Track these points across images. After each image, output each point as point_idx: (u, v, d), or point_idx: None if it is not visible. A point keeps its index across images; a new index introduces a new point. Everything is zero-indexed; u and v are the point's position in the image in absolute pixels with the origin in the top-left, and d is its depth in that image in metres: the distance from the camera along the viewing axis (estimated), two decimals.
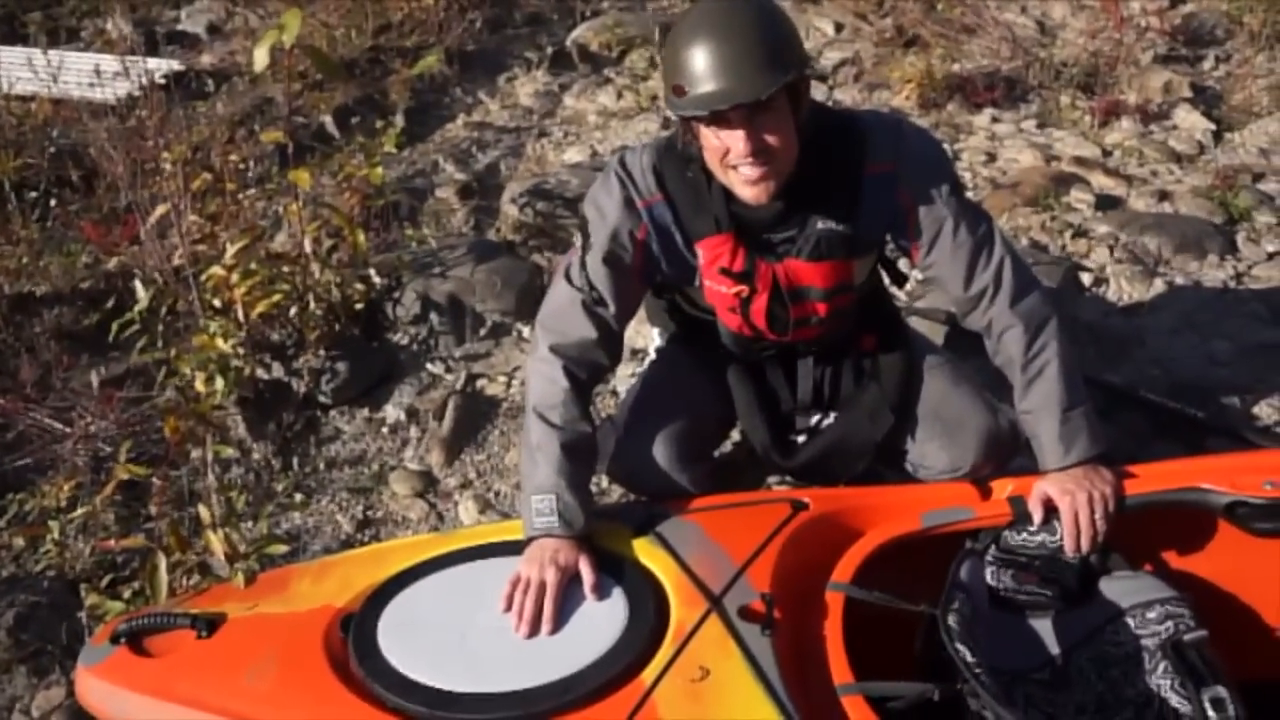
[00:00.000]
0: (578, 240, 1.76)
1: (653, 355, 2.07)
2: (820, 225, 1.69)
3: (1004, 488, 1.68)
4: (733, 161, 1.57)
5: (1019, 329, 1.72)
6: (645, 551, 1.60)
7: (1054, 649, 1.61)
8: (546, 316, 1.77)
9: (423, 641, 1.50)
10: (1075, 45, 4.33)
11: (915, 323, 2.71)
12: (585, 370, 1.74)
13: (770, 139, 1.55)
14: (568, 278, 1.75)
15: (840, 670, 1.37)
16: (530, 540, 1.60)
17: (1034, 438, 1.71)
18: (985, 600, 1.62)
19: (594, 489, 2.24)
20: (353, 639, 1.52)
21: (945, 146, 1.82)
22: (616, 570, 1.57)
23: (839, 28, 4.77)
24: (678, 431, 1.84)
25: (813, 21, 4.79)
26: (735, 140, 1.55)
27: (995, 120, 3.95)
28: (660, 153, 1.72)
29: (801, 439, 1.95)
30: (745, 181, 1.60)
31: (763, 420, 1.92)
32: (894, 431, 1.87)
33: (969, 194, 1.83)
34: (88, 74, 4.55)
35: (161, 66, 4.56)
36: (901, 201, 1.71)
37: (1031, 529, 1.62)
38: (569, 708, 1.37)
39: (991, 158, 3.70)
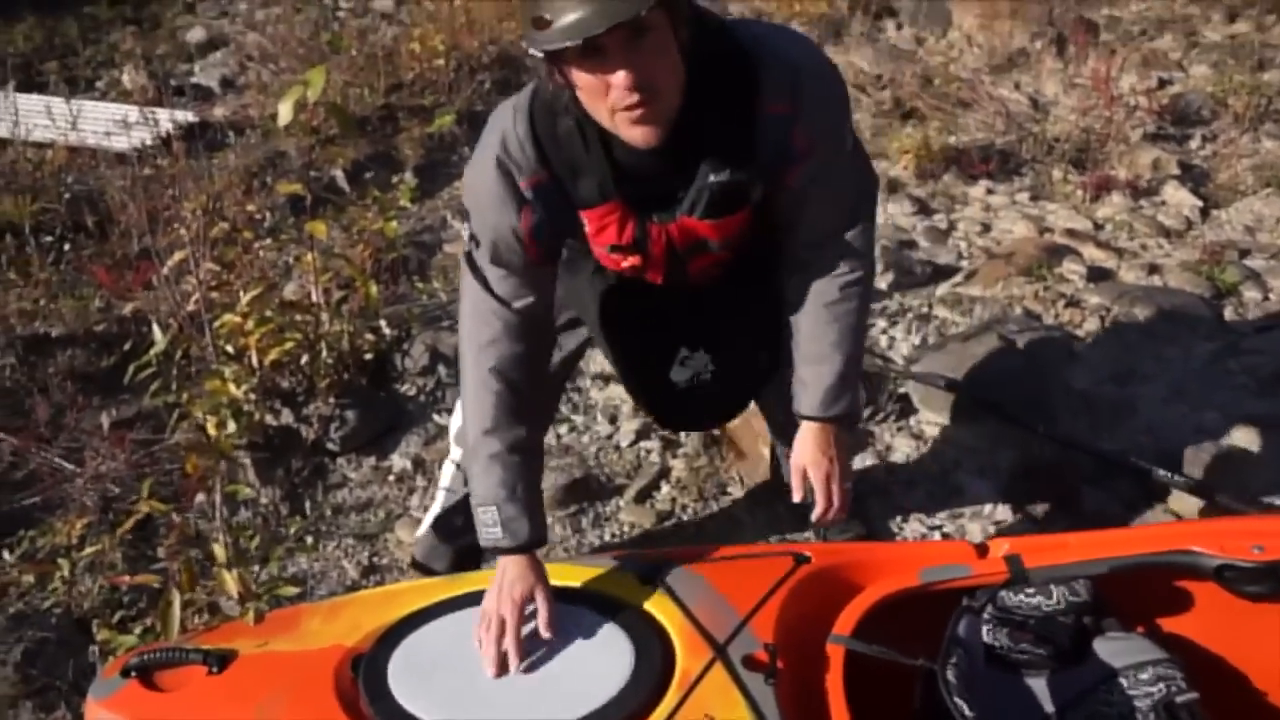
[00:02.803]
0: (466, 229, 1.64)
1: None
2: (713, 178, 1.51)
3: (1000, 547, 1.72)
4: (614, 101, 1.37)
5: (839, 273, 1.66)
6: (651, 600, 1.63)
7: (1048, 707, 1.64)
8: (464, 318, 1.67)
9: (432, 683, 1.53)
10: (1067, 122, 4.46)
11: (912, 388, 2.79)
12: (513, 368, 1.64)
13: (653, 67, 1.36)
14: (472, 268, 1.64)
15: None
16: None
17: (801, 381, 1.70)
18: (981, 658, 1.66)
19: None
20: (363, 679, 1.54)
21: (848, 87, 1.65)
22: (623, 618, 1.60)
23: None
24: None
25: None
26: (614, 74, 1.34)
27: (990, 192, 4.05)
28: (532, 114, 1.51)
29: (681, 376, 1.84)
30: (630, 122, 1.39)
31: (641, 387, 1.87)
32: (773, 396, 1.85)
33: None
34: (104, 122, 4.66)
35: (178, 117, 4.67)
36: (797, 145, 1.54)
37: (1029, 590, 1.66)
38: None
39: (986, 228, 3.80)
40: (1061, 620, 1.66)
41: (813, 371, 1.69)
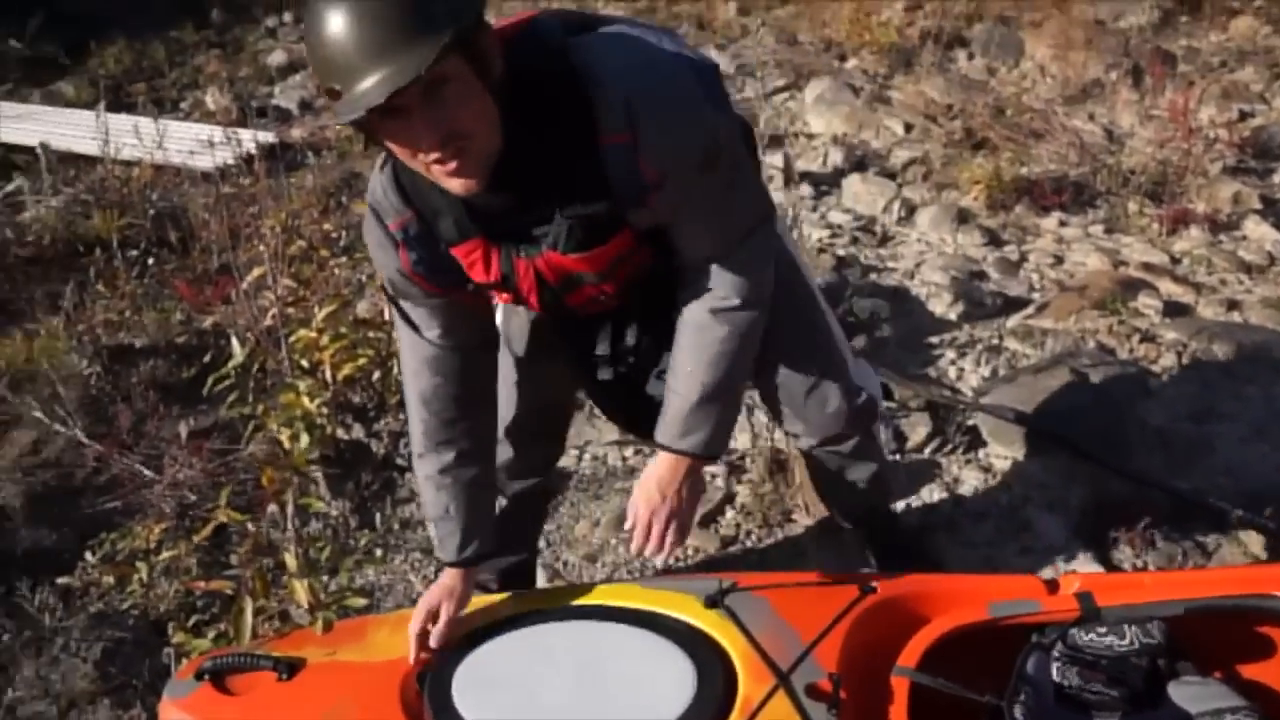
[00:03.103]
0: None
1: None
2: (569, 211, 1.44)
3: (1072, 584, 1.69)
4: (423, 158, 1.32)
5: (712, 300, 1.56)
6: (714, 624, 1.63)
7: None
8: (400, 349, 1.70)
9: (496, 699, 1.55)
10: (1143, 154, 4.38)
11: (981, 420, 2.75)
12: (435, 398, 1.67)
13: (457, 118, 1.28)
14: (391, 302, 1.65)
15: None
16: None
17: (664, 407, 1.65)
18: (1050, 696, 1.62)
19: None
20: (428, 692, 1.57)
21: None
22: (686, 641, 1.60)
23: (909, 128, 4.88)
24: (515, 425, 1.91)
25: (883, 121, 4.90)
26: (416, 135, 1.29)
27: (1063, 224, 3.99)
28: (396, 159, 1.45)
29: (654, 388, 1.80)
30: (446, 174, 1.34)
31: (613, 407, 1.91)
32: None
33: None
34: (188, 142, 4.83)
35: (259, 138, 4.82)
36: (645, 174, 1.43)
37: (1101, 629, 1.63)
38: None
39: (1059, 260, 3.74)
40: (1135, 662, 1.62)
41: (671, 399, 1.63)
